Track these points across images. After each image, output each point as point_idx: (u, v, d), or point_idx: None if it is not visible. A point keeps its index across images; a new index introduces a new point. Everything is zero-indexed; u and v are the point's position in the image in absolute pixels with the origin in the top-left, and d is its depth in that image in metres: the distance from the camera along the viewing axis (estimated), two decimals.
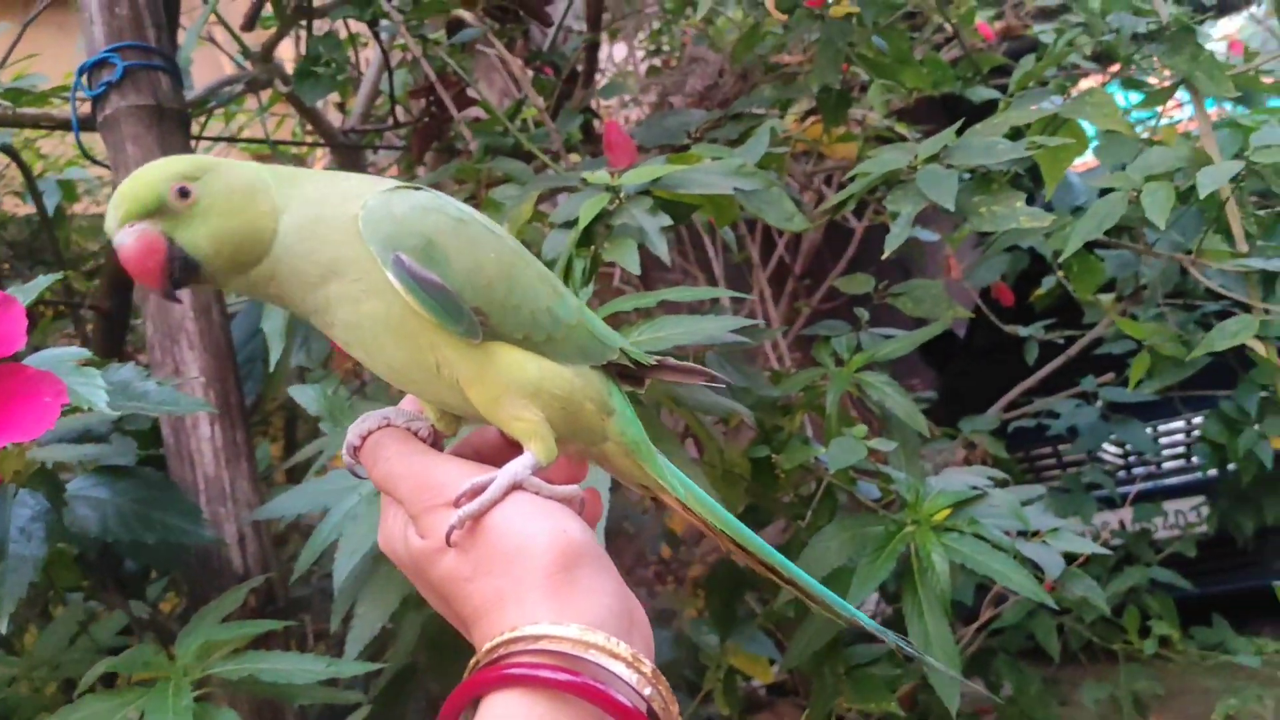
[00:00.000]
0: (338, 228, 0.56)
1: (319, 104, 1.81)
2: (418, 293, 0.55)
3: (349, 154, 1.62)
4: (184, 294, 1.18)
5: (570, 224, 1.07)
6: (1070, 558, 1.27)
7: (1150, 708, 2.14)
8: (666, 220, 1.02)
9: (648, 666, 0.51)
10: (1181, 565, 2.39)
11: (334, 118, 1.88)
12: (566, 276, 1.02)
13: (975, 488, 1.23)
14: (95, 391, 0.82)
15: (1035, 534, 1.22)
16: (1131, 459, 3.32)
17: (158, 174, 0.56)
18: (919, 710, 2.15)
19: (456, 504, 0.55)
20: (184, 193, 0.55)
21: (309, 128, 1.73)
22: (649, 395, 1.04)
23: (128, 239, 0.55)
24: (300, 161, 2.28)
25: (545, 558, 0.52)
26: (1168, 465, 3.36)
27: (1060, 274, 2.20)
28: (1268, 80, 1.51)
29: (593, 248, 1.04)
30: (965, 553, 1.15)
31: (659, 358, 0.65)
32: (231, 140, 1.81)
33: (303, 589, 1.46)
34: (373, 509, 0.97)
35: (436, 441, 0.62)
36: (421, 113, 1.55)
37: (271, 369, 1.09)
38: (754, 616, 1.65)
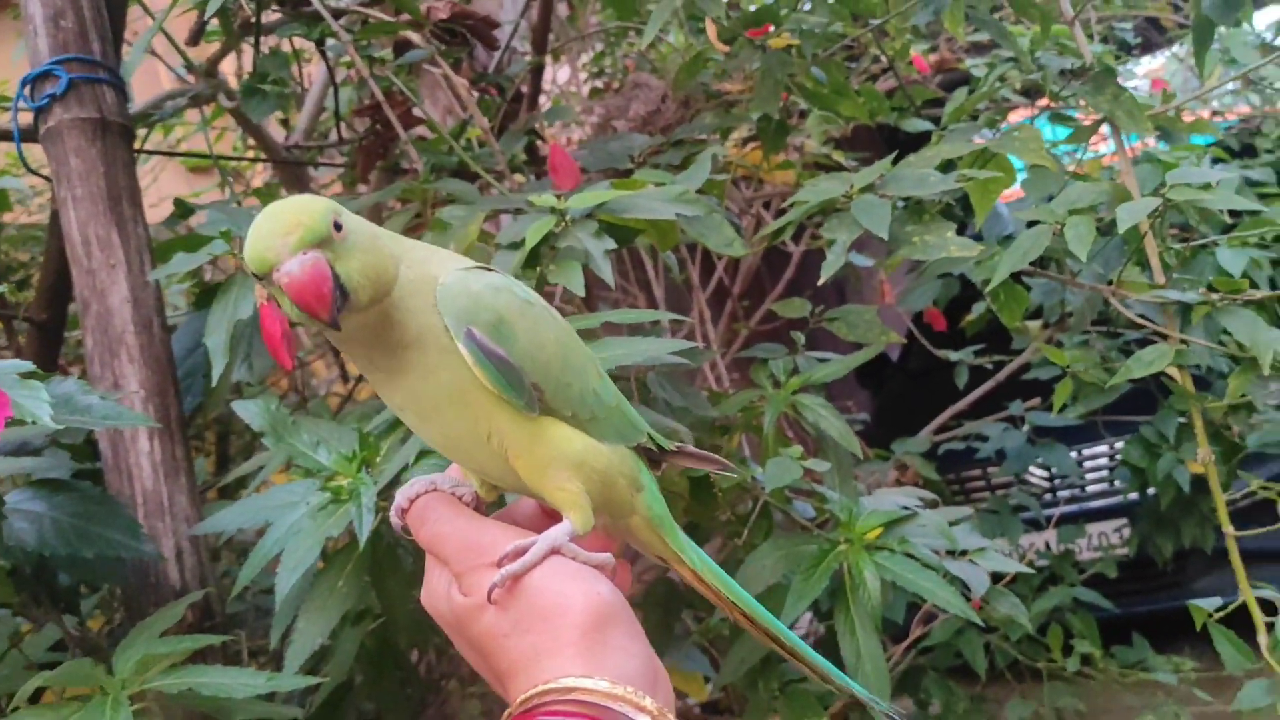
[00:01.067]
0: (429, 294, 0.60)
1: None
2: (486, 366, 0.59)
3: (292, 170, 1.62)
4: (124, 307, 1.18)
5: (516, 245, 1.08)
6: (997, 577, 1.31)
7: None
8: (611, 244, 1.05)
9: (657, 709, 0.55)
10: (1103, 586, 2.46)
11: (277, 133, 1.87)
12: None
13: (906, 508, 1.27)
14: (39, 405, 0.82)
15: (963, 553, 1.26)
16: (1057, 482, 3.42)
17: (321, 206, 0.57)
18: None
19: (499, 564, 0.59)
20: (338, 226, 0.56)
21: (251, 142, 1.73)
22: None
23: (301, 267, 0.55)
24: (240, 174, 2.27)
25: (580, 617, 0.56)
26: (1091, 489, 3.47)
27: (990, 301, 2.28)
28: (1187, 118, 1.58)
29: (538, 269, 1.06)
30: (896, 571, 1.18)
31: (679, 445, 0.71)
32: (172, 154, 1.80)
33: (238, 606, 1.45)
34: (315, 523, 0.97)
35: (479, 507, 0.66)
36: (366, 131, 1.56)
37: (214, 383, 1.09)
38: (689, 634, 1.67)
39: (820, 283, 1.25)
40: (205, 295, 1.31)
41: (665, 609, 1.49)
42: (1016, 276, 1.46)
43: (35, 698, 1.00)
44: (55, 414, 0.83)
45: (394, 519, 0.65)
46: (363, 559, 1.03)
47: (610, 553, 0.63)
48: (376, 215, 1.45)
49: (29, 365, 0.86)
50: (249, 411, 1.06)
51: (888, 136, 2.32)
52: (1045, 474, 3.39)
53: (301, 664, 0.98)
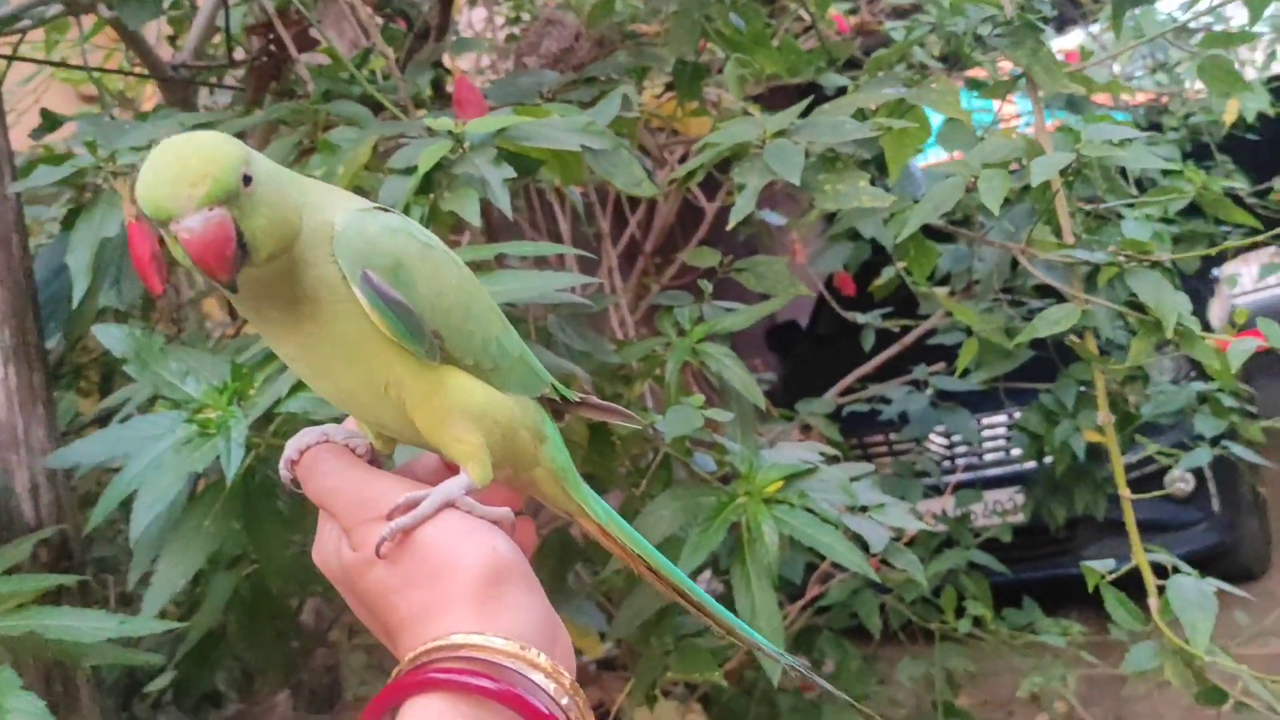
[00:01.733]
0: (325, 241, 0.55)
1: (151, 38, 1.70)
2: (384, 311, 0.56)
3: (179, 89, 1.52)
4: None
5: (409, 171, 1.02)
6: (896, 537, 1.30)
7: (962, 685, 2.23)
8: (510, 172, 0.99)
9: (567, 679, 0.53)
10: (996, 551, 2.50)
11: (165, 52, 1.76)
12: None
13: (807, 462, 1.25)
14: None
15: (863, 510, 1.24)
16: (956, 449, 3.48)
17: (231, 155, 0.51)
18: (744, 685, 2.19)
19: (389, 518, 0.56)
20: (248, 179, 0.51)
21: (137, 61, 1.62)
22: None
23: (205, 224, 0.50)
24: (127, 99, 2.14)
25: (472, 573, 0.54)
26: (988, 457, 3.54)
27: (900, 265, 2.28)
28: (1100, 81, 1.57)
29: (431, 196, 1.00)
30: (795, 525, 1.16)
31: (582, 396, 0.68)
32: (40, 62, 1.68)
33: (108, 549, 1.37)
34: (179, 458, 0.90)
35: (374, 460, 0.63)
36: (259, 51, 1.47)
37: (75, 305, 1.01)
38: (583, 589, 1.64)
39: (729, 227, 1.21)
40: (72, 216, 1.22)
41: (559, 561, 1.45)
42: (928, 234, 1.44)
43: None
44: None
45: (283, 470, 0.61)
46: (232, 499, 0.96)
47: (510, 507, 0.60)
48: (265, 138, 1.36)
49: None
50: (111, 337, 0.98)
51: (806, 96, 2.30)
52: (945, 441, 3.44)
53: (162, 609, 0.91)
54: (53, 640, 0.85)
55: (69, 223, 1.24)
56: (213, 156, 0.51)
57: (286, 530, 1.05)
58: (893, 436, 3.34)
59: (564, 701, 0.51)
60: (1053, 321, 1.22)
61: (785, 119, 1.23)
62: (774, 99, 2.57)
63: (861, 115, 1.30)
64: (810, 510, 1.18)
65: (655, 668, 1.28)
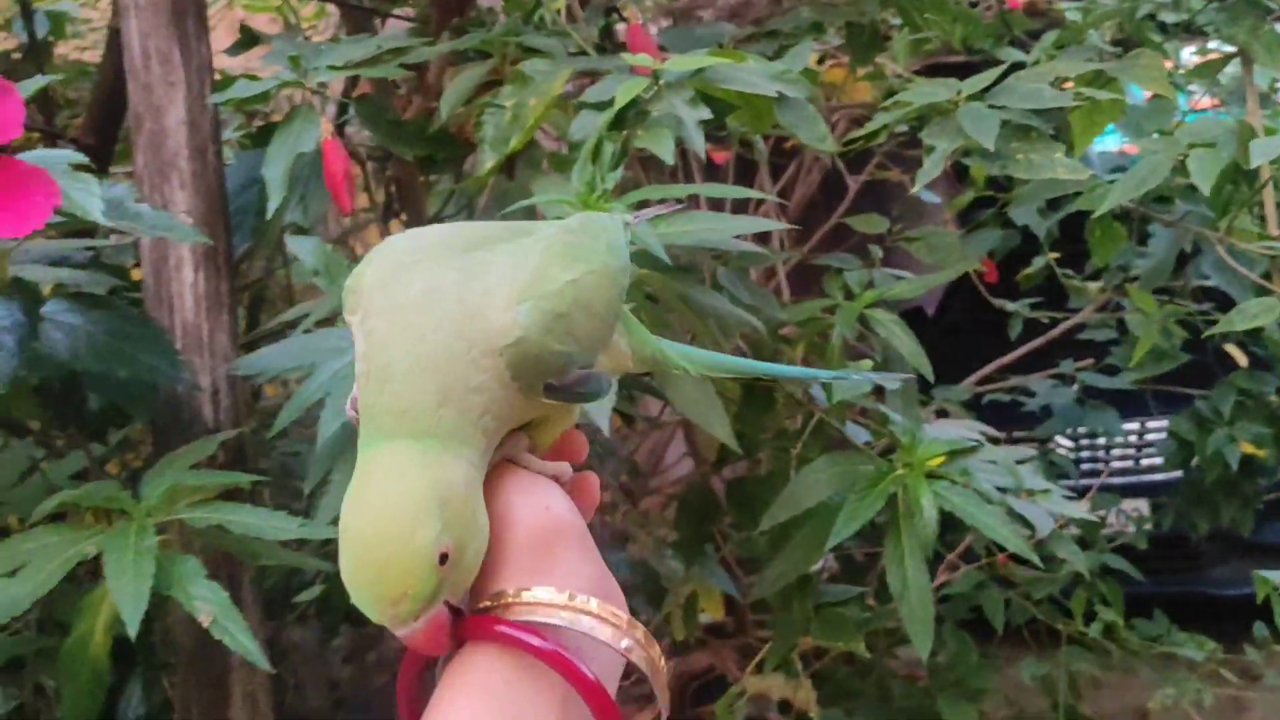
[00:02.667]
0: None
1: None
2: (574, 396, 0.52)
3: (361, 20, 1.54)
4: (180, 129, 1.12)
5: (602, 106, 1.01)
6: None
7: (1086, 691, 2.16)
8: (706, 113, 0.97)
9: (623, 617, 0.48)
10: (1128, 560, 2.41)
11: None
12: (594, 159, 0.97)
13: (970, 440, 1.21)
14: (90, 199, 0.76)
15: (1026, 494, 1.20)
16: (1083, 453, 3.36)
17: (424, 558, 0.44)
18: (858, 665, 2.16)
19: None
20: (444, 558, 0.45)
21: None
22: (661, 292, 0.99)
23: (411, 635, 0.45)
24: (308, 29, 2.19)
25: (524, 532, 0.50)
26: (1115, 465, 3.41)
27: (1051, 255, 2.20)
28: None
29: (624, 134, 0.99)
30: (955, 502, 1.12)
31: None
32: None
33: (265, 462, 1.41)
34: None
35: None
36: None
37: (270, 215, 1.03)
38: (717, 550, 1.63)
39: (914, 190, 1.18)
40: (262, 132, 1.24)
41: (700, 519, 1.45)
42: (1114, 215, 1.38)
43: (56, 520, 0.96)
44: (106, 214, 0.77)
45: (349, 411, 0.55)
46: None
47: (572, 461, 0.55)
48: (440, 69, 1.36)
49: (80, 156, 0.80)
50: (304, 248, 1.00)
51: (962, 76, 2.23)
52: (1070, 444, 3.33)
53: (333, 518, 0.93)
54: (235, 536, 0.87)
55: (258, 139, 1.27)
56: (408, 569, 0.44)
57: None
58: (1017, 433, 3.25)
59: (623, 644, 0.48)
60: (1250, 315, 1.16)
61: (981, 81, 1.18)
62: (927, 76, 2.50)
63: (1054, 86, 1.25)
64: (972, 488, 1.14)
65: (796, 631, 1.26)
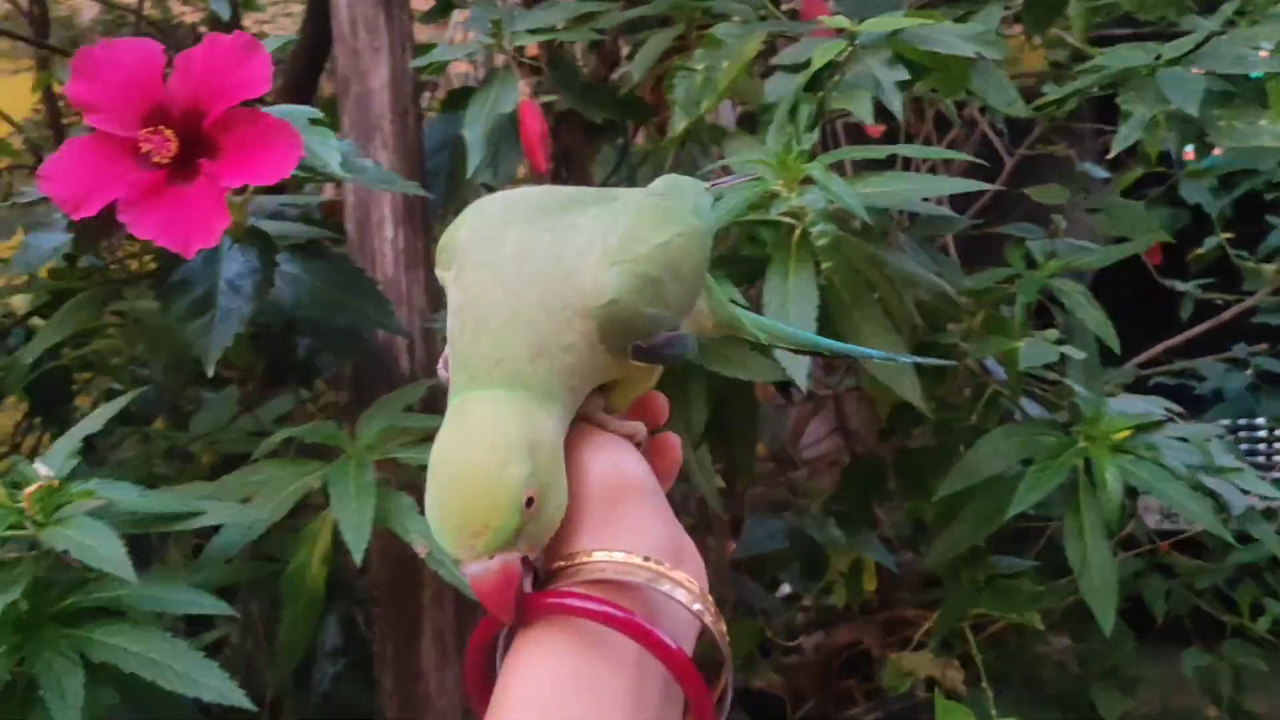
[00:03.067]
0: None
1: None
2: (658, 359, 0.52)
3: None
4: (384, 91, 1.17)
5: (797, 68, 1.02)
6: None
7: (1250, 686, 2.08)
8: (904, 74, 0.97)
9: (696, 585, 0.48)
10: None
11: None
12: (790, 122, 0.98)
13: (1155, 415, 1.18)
14: (329, 152, 0.81)
15: (1216, 471, 1.16)
16: (1242, 446, 3.22)
17: (512, 495, 0.44)
18: (1006, 650, 2.13)
19: None
20: (529, 502, 0.45)
21: None
22: (849, 251, 0.99)
23: (485, 574, 0.45)
24: None
25: (591, 489, 0.49)
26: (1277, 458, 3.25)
27: (1224, 236, 2.11)
28: None
29: (820, 95, 1.00)
30: (1142, 476, 1.10)
31: None
32: None
33: None
34: None
35: None
36: None
37: (469, 174, 1.07)
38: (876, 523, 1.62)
39: (1110, 155, 1.15)
40: (455, 96, 1.29)
41: (865, 487, 1.45)
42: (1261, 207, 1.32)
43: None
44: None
45: (440, 371, 0.56)
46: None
47: (650, 423, 0.55)
48: (617, 34, 1.37)
49: (318, 112, 0.84)
50: None
51: None
52: (1232, 435, 3.19)
53: None
54: None
55: (448, 105, 1.32)
56: (494, 503, 0.44)
57: None
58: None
59: (696, 607, 0.47)
60: None
61: (1184, 45, 1.14)
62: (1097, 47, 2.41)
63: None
64: (1160, 464, 1.12)
65: (966, 603, 1.26)
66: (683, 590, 0.47)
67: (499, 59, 1.13)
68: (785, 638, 1.93)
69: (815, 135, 0.96)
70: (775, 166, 0.93)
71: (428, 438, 0.99)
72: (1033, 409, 1.30)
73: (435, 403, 1.15)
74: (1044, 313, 1.29)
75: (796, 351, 0.67)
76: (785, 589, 2.05)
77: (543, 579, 0.48)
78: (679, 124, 1.07)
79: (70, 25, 2.00)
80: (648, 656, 0.46)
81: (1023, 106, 1.13)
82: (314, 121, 0.84)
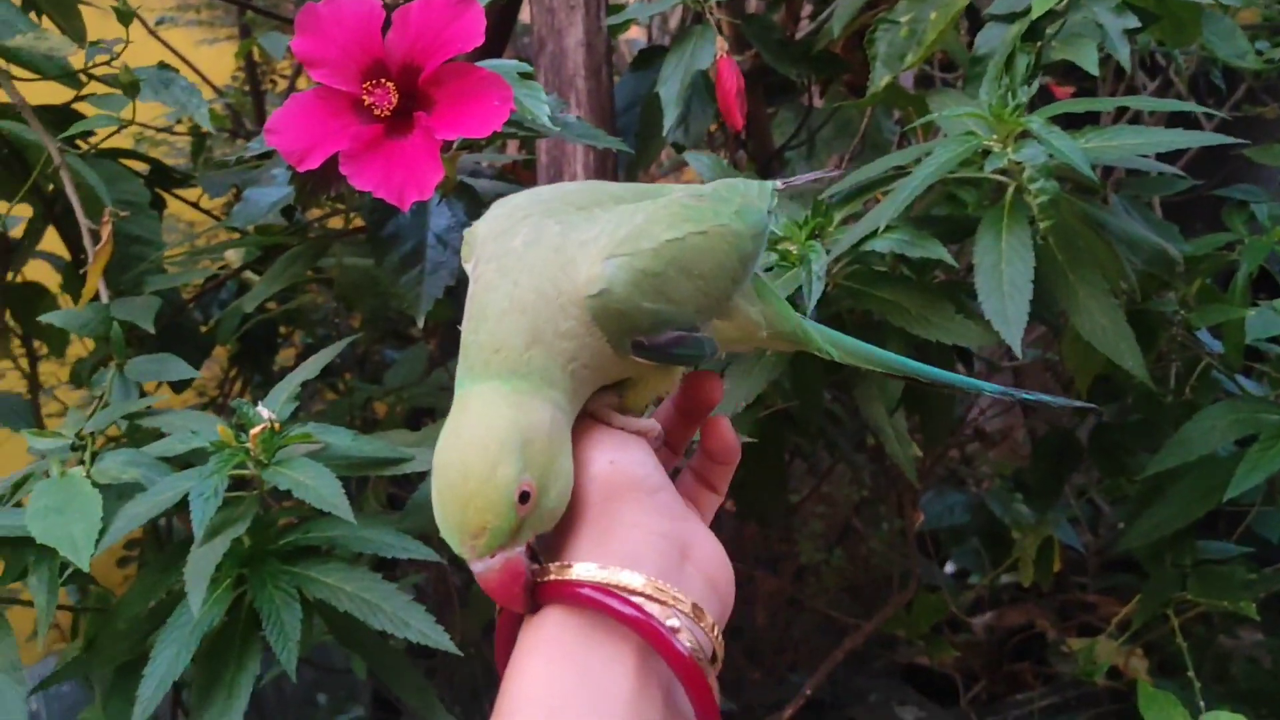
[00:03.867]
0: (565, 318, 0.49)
1: None
2: (666, 357, 0.51)
3: None
4: (578, 50, 1.17)
5: (1010, 17, 0.97)
6: None
7: None
8: (1133, 21, 0.91)
9: (668, 592, 0.47)
10: None
11: None
12: (1005, 72, 0.93)
13: None
14: (539, 105, 0.81)
15: None
16: None
17: (503, 494, 0.46)
18: (1195, 639, 2.02)
19: None
20: (525, 497, 0.46)
21: None
22: (1066, 211, 0.94)
23: (487, 572, 0.47)
24: None
25: (587, 489, 0.49)
26: None
27: None
28: None
29: (1038, 45, 0.94)
30: None
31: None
32: None
33: None
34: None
35: None
36: None
37: (665, 132, 1.06)
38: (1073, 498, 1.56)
39: None
40: (645, 55, 1.28)
41: (1056, 462, 1.38)
42: None
43: None
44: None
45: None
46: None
47: (696, 406, 0.55)
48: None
49: (527, 65, 0.85)
50: (701, 163, 1.02)
51: None
52: None
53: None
54: None
55: (637, 64, 1.31)
56: (489, 504, 0.45)
57: (827, 373, 1.06)
58: None
59: (670, 622, 0.46)
60: None
61: None
62: None
63: None
64: None
65: (1169, 588, 1.19)
66: (654, 604, 0.46)
67: (687, 17, 1.11)
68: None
69: (1035, 87, 0.91)
70: (990, 121, 0.89)
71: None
72: (1252, 386, 1.22)
73: None
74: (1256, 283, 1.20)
75: (884, 373, 0.65)
76: (950, 566, 2.00)
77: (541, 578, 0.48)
78: (880, 79, 1.03)
79: None
80: (651, 658, 0.46)
81: (1254, 59, 1.05)
82: (523, 75, 0.84)
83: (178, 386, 1.20)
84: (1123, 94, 1.55)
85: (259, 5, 1.44)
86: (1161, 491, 1.17)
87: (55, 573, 0.74)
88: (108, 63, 1.03)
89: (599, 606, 0.46)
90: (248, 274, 1.18)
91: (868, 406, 0.99)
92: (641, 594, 0.46)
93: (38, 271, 1.29)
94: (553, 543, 0.50)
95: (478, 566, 0.47)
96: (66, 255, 1.21)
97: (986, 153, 0.89)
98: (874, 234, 0.91)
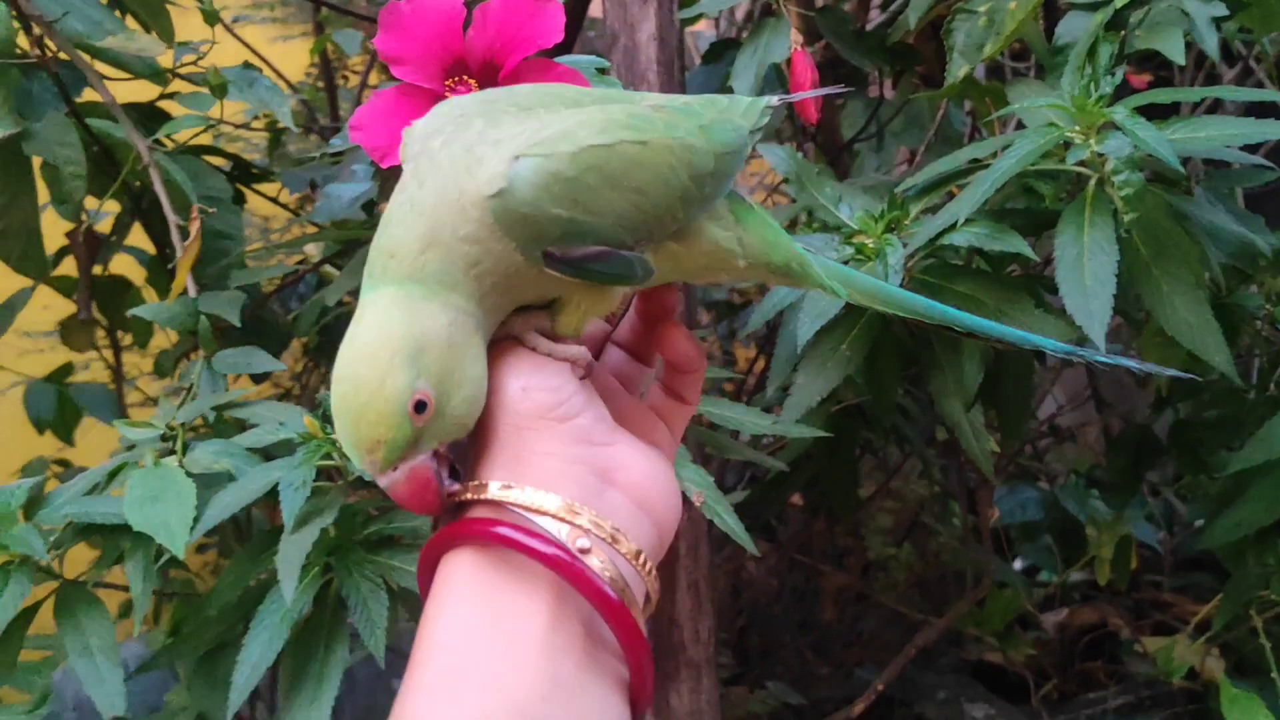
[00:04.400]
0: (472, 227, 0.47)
1: None
2: (584, 272, 0.47)
3: None
4: (650, 44, 1.17)
5: (1092, 6, 0.95)
6: None
7: None
8: (1221, 9, 0.89)
9: (586, 518, 0.46)
10: None
11: None
12: (1088, 62, 0.91)
13: None
14: None
15: None
16: None
17: (395, 406, 0.44)
18: (1274, 638, 1.97)
19: None
20: (422, 406, 0.45)
21: None
22: (1150, 203, 0.92)
23: (393, 485, 0.46)
24: None
25: (497, 414, 0.47)
26: None
27: None
28: None
29: (1121, 34, 0.93)
30: None
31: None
32: None
33: None
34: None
35: None
36: None
37: None
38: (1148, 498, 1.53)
39: None
40: (717, 48, 1.28)
41: (1135, 460, 1.36)
42: None
43: None
44: None
45: None
46: (869, 326, 0.97)
47: (584, 346, 0.50)
48: None
49: (605, 61, 0.85)
50: (776, 156, 1.02)
51: None
52: None
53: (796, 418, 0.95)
54: (714, 427, 0.92)
55: (709, 56, 1.31)
56: (378, 417, 0.44)
57: (901, 367, 1.05)
58: None
59: (579, 543, 0.44)
60: None
61: None
62: None
63: None
64: None
65: (1252, 586, 1.16)
66: (575, 531, 0.45)
67: (755, 9, 1.11)
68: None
69: (1118, 77, 0.89)
70: (1072, 112, 0.88)
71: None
72: None
73: None
74: None
75: (908, 317, 0.57)
76: (1019, 562, 1.98)
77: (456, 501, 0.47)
78: (958, 71, 1.02)
79: None
80: (567, 591, 0.45)
81: None
82: (599, 70, 0.85)
83: (257, 378, 1.22)
84: (1201, 83, 1.52)
85: (333, 2, 1.47)
86: (1243, 489, 1.14)
87: (150, 559, 0.77)
88: (194, 62, 1.05)
89: (508, 543, 0.44)
90: (326, 268, 1.21)
91: (944, 401, 0.99)
92: (555, 517, 0.45)
93: (123, 265, 1.33)
94: (465, 470, 0.48)
95: (383, 481, 0.46)
96: (151, 250, 1.24)
97: (1068, 144, 0.88)
98: (953, 227, 0.90)
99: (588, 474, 0.47)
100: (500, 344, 0.49)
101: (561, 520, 0.45)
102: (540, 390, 0.48)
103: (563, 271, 0.47)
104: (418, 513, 0.48)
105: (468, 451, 0.49)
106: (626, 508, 0.48)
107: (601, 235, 0.47)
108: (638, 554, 0.47)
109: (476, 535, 0.45)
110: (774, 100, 0.56)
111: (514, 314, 0.49)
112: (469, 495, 0.46)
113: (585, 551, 0.45)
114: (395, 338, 0.44)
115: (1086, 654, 1.95)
